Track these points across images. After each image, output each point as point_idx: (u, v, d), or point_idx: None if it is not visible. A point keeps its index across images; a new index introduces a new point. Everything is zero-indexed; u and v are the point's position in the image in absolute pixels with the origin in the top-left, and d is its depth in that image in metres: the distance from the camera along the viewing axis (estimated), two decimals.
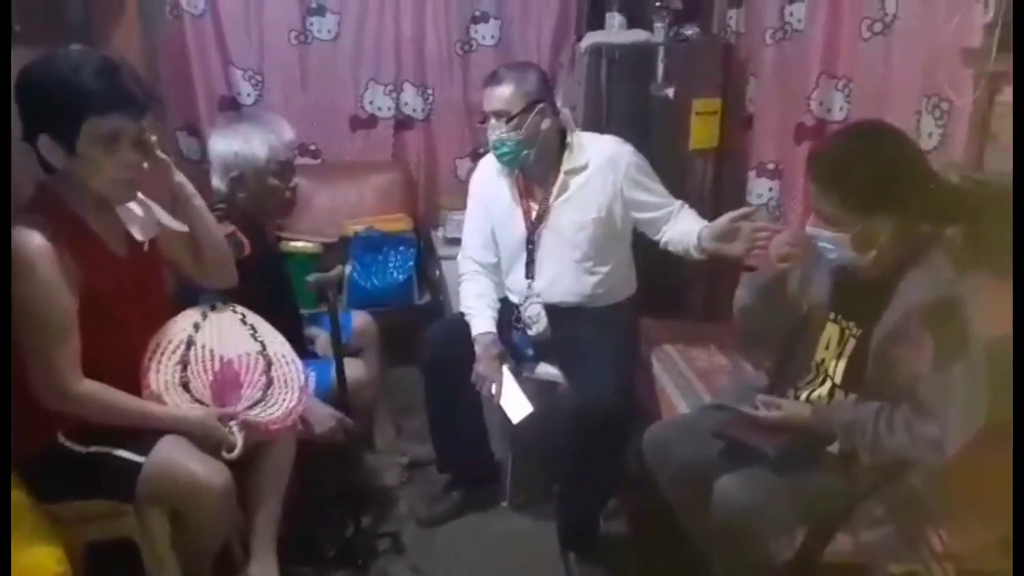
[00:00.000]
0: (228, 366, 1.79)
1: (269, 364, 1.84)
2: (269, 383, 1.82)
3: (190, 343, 1.76)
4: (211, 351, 1.78)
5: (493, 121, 2.17)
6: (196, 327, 1.79)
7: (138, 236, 1.70)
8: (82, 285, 1.56)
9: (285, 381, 1.85)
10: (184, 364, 1.73)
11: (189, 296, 1.89)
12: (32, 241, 1.49)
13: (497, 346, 2.26)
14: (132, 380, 1.67)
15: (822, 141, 1.71)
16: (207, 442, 1.66)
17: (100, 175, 1.56)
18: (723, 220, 2.04)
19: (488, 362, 2.22)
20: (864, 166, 1.53)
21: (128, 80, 1.55)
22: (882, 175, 1.53)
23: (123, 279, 1.67)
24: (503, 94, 2.15)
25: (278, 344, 1.89)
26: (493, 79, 2.19)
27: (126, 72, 1.55)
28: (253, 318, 1.90)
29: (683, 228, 2.20)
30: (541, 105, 2.18)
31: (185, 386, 1.72)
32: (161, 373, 1.70)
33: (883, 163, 1.54)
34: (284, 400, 1.82)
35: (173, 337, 1.76)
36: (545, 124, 2.19)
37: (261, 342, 1.86)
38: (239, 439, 1.68)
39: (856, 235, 1.56)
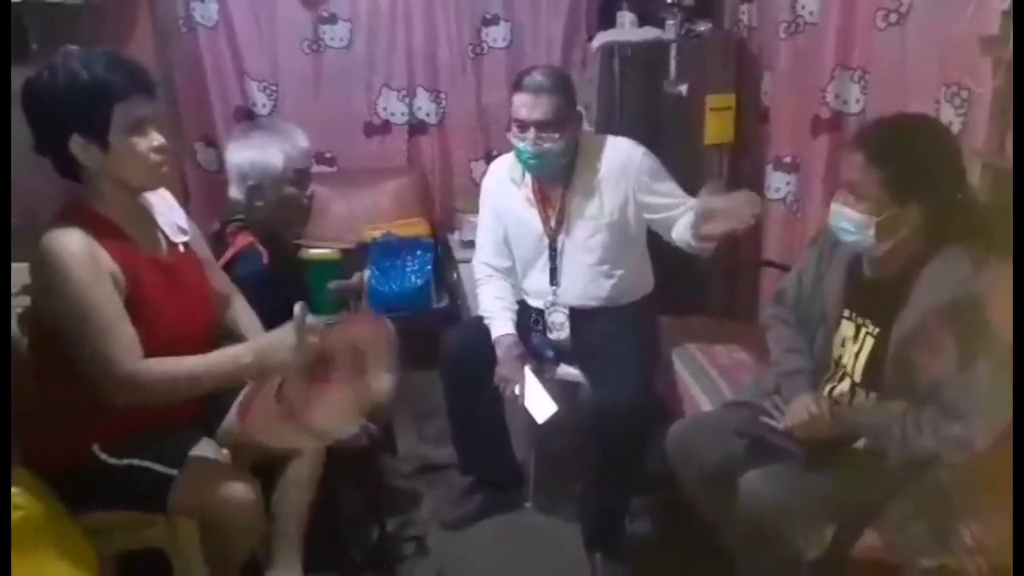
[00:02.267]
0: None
1: None
2: None
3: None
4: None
5: (533, 133, 2.10)
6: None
7: (173, 238, 1.72)
8: (125, 288, 1.55)
9: None
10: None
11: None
12: (70, 241, 1.49)
13: (518, 347, 2.26)
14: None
15: (880, 118, 1.70)
16: (286, 359, 1.55)
17: (137, 162, 1.56)
18: (699, 200, 1.95)
19: (510, 364, 2.22)
20: (918, 151, 1.54)
21: (134, 64, 1.57)
22: (931, 165, 1.53)
23: (164, 280, 1.66)
24: (547, 105, 2.08)
25: None
26: (532, 87, 2.10)
27: (127, 58, 1.58)
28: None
29: (686, 222, 2.18)
30: (577, 111, 2.17)
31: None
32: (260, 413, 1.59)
33: (935, 155, 1.55)
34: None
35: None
36: (577, 131, 2.18)
37: None
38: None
39: (884, 220, 1.54)
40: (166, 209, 1.75)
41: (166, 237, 1.72)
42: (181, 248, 1.74)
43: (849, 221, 1.58)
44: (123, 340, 1.51)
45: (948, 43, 2.05)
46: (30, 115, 1.54)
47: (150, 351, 1.56)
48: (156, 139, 1.58)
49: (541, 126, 2.10)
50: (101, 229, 1.56)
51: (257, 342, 1.65)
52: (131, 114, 1.53)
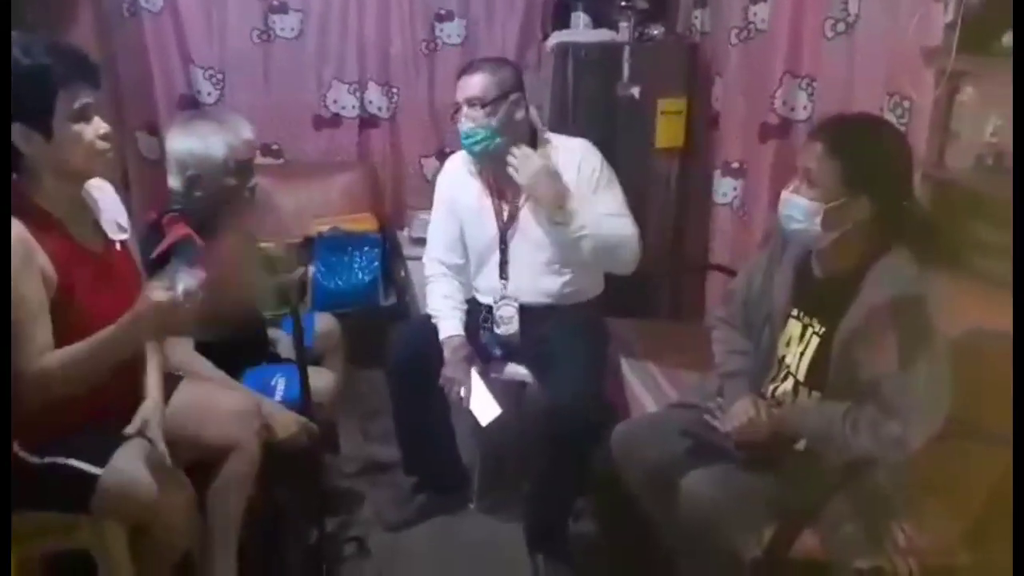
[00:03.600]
0: None
1: None
2: None
3: None
4: None
5: (466, 109, 2.15)
6: None
7: (112, 235, 1.68)
8: (56, 283, 1.52)
9: None
10: None
11: None
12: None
13: (466, 348, 2.24)
14: (103, 382, 1.60)
15: (842, 113, 1.77)
16: (171, 319, 1.52)
17: (82, 150, 1.53)
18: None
19: (457, 365, 2.20)
20: (875, 147, 1.58)
21: (76, 50, 1.55)
22: (886, 163, 1.57)
23: (97, 276, 1.63)
24: (479, 81, 2.13)
25: None
26: (468, 68, 2.19)
27: (68, 43, 1.56)
28: None
29: None
30: (515, 95, 2.17)
31: None
32: None
33: (891, 154, 1.59)
34: None
35: None
36: (519, 115, 2.18)
37: None
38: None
39: (833, 208, 1.56)
40: (108, 204, 1.72)
41: (103, 233, 1.68)
42: (118, 246, 1.71)
43: (798, 209, 1.60)
44: (36, 340, 1.48)
45: (892, 53, 2.09)
46: None
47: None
48: (101, 127, 1.55)
49: (471, 103, 2.13)
50: (37, 220, 1.52)
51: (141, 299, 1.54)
52: (74, 101, 1.50)
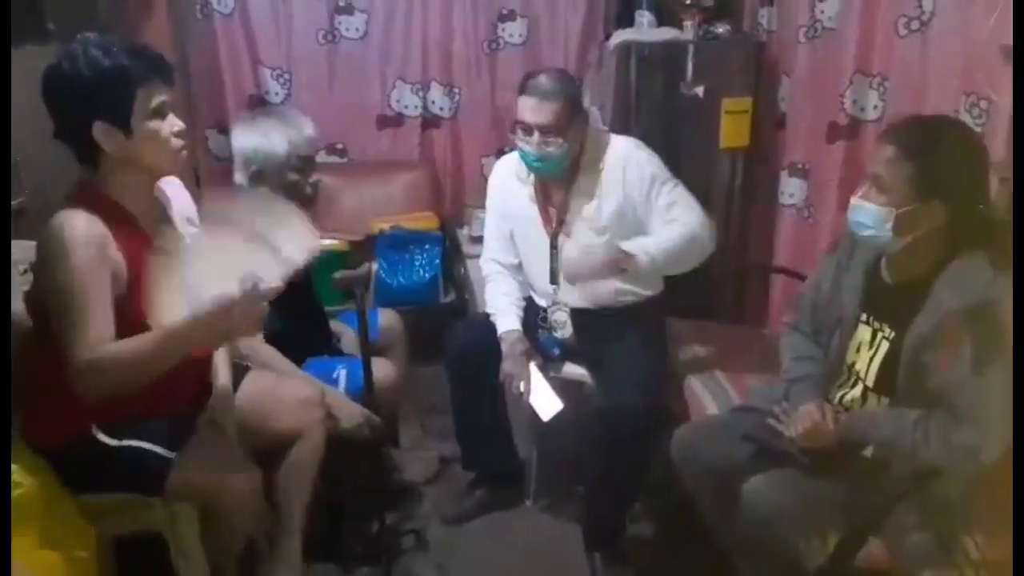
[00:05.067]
0: None
1: None
2: None
3: None
4: None
5: (538, 136, 2.08)
6: None
7: (182, 230, 1.72)
8: (127, 278, 1.56)
9: None
10: None
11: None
12: (79, 223, 1.50)
13: (524, 343, 2.24)
14: (176, 370, 1.62)
15: (914, 115, 1.72)
16: (244, 320, 1.53)
17: (159, 146, 1.58)
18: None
19: (515, 360, 2.21)
20: (949, 151, 1.53)
21: (152, 50, 1.60)
22: (960, 167, 1.53)
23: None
24: (552, 108, 2.05)
25: None
26: (537, 91, 2.07)
27: (145, 44, 1.61)
28: None
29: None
30: (581, 115, 2.15)
31: None
32: None
33: (965, 158, 1.54)
34: None
35: None
36: (582, 130, 2.16)
37: None
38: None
39: (905, 214, 1.52)
40: (179, 200, 1.76)
41: (175, 229, 1.71)
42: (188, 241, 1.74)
43: (868, 215, 1.56)
44: (96, 330, 1.50)
45: (969, 52, 2.03)
46: (51, 102, 1.55)
47: None
48: (176, 124, 1.61)
49: (545, 130, 2.07)
50: (112, 215, 1.57)
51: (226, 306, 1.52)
52: (152, 99, 1.55)
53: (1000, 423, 1.47)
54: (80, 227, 1.50)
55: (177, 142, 1.61)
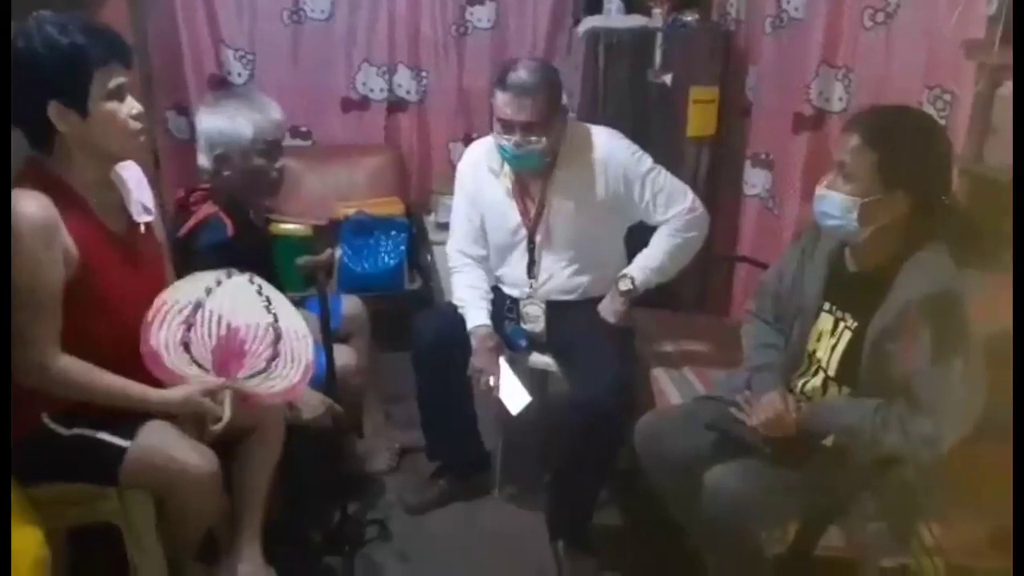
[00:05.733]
0: (234, 333, 1.74)
1: (278, 337, 1.79)
2: (275, 356, 1.77)
3: (198, 306, 1.71)
4: (219, 316, 1.73)
5: (518, 133, 2.03)
6: (208, 291, 1.74)
7: (136, 217, 1.68)
8: (78, 261, 1.53)
9: (292, 357, 1.79)
10: (188, 325, 1.69)
11: None
12: (29, 204, 1.46)
13: (494, 339, 2.22)
14: (126, 359, 1.62)
15: (880, 105, 1.74)
16: (193, 418, 1.64)
17: (117, 129, 1.55)
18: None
19: (485, 355, 2.18)
20: (914, 141, 1.54)
21: (110, 30, 1.56)
22: (924, 158, 1.54)
23: (119, 258, 1.64)
24: (534, 105, 2.00)
25: (291, 318, 1.84)
26: (517, 86, 2.00)
27: (102, 23, 1.57)
28: (269, 290, 1.85)
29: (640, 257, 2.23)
30: (562, 106, 2.12)
31: (186, 346, 1.67)
32: (163, 331, 1.65)
33: (930, 148, 1.55)
34: (288, 375, 1.77)
35: (181, 298, 1.71)
36: (563, 126, 2.14)
37: (274, 314, 1.81)
38: (227, 410, 1.64)
39: (869, 203, 1.53)
40: (135, 186, 1.72)
41: (128, 215, 1.69)
42: (142, 228, 1.71)
43: (833, 204, 1.57)
44: (47, 330, 1.51)
45: (933, 45, 2.05)
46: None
47: (98, 330, 1.56)
48: (134, 106, 1.57)
49: (526, 128, 2.04)
50: (63, 198, 1.53)
51: (180, 394, 1.64)
52: (109, 80, 1.52)
53: (958, 414, 1.50)
54: (30, 210, 1.46)
55: (135, 125, 1.57)
